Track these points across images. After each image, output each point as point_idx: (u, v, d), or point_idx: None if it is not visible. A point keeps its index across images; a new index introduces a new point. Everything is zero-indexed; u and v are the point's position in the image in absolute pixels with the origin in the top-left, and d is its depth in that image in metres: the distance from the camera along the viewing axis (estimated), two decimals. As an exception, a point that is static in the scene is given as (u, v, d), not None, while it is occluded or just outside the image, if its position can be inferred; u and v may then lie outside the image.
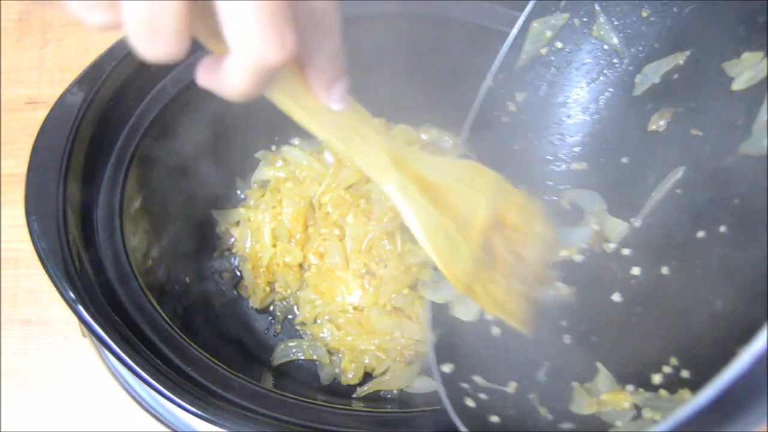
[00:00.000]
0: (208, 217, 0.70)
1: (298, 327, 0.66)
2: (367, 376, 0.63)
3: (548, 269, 0.51)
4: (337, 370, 0.63)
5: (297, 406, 0.47)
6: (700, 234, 0.44)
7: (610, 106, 0.54)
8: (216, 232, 0.70)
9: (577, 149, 0.55)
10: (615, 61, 0.54)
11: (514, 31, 0.52)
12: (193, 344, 0.49)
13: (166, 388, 0.45)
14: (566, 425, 0.42)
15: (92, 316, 0.47)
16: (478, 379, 0.46)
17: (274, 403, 0.47)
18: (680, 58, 0.51)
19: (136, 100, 0.58)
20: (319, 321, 0.65)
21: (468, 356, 0.48)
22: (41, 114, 0.53)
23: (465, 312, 0.51)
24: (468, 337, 0.50)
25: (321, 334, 0.64)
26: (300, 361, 0.64)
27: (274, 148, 0.72)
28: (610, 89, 0.54)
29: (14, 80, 0.81)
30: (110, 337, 0.46)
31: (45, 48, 0.83)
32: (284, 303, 0.67)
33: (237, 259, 0.69)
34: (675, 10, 0.51)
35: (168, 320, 0.50)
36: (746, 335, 0.38)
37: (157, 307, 0.51)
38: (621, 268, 0.49)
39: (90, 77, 0.55)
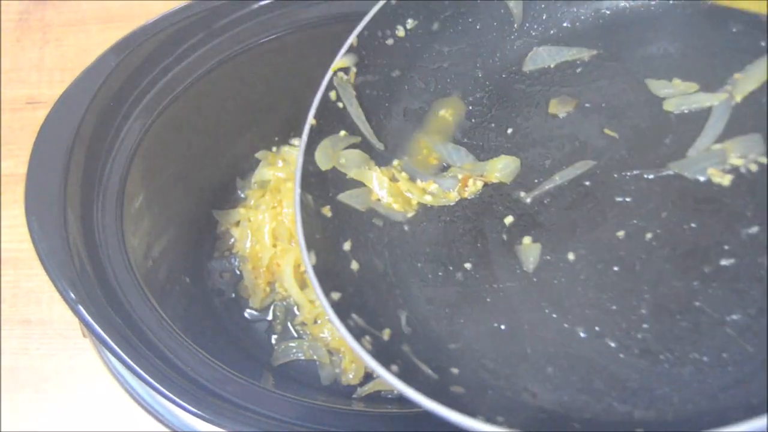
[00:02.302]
0: (208, 217, 0.70)
1: (298, 327, 0.66)
2: (368, 377, 0.63)
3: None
4: (337, 371, 0.63)
5: (297, 406, 0.47)
6: (620, 233, 0.44)
7: (493, 70, 0.54)
8: (216, 232, 0.70)
9: (443, 100, 0.53)
10: (510, 29, 0.53)
11: None
12: (193, 344, 0.49)
13: (166, 388, 0.45)
14: (456, 388, 0.40)
15: (92, 316, 0.47)
16: (356, 317, 0.43)
17: (274, 403, 0.47)
18: (585, 54, 0.51)
19: (137, 100, 0.58)
20: (319, 321, 0.65)
21: (344, 287, 0.44)
22: (41, 114, 0.53)
23: (354, 197, 0.49)
24: (334, 267, 0.46)
25: (321, 335, 0.64)
26: (300, 362, 0.64)
27: (274, 148, 0.72)
28: (497, 54, 0.54)
29: (14, 80, 0.81)
30: (110, 337, 0.46)
31: (45, 48, 0.83)
32: (284, 303, 0.67)
33: (237, 259, 0.69)
34: (585, 8, 0.52)
35: (168, 320, 0.50)
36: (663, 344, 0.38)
37: (157, 307, 0.51)
38: (510, 237, 0.47)
39: (90, 77, 0.55)
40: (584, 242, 0.45)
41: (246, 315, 0.67)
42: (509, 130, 0.51)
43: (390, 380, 0.38)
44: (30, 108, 0.80)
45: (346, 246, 0.47)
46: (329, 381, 0.63)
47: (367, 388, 0.61)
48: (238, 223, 0.70)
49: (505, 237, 0.47)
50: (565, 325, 0.42)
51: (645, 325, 0.40)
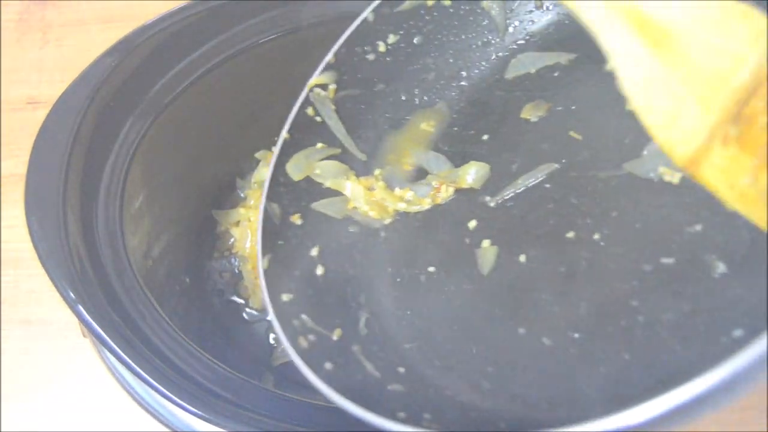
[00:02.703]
0: (208, 217, 0.70)
1: (298, 327, 0.66)
2: (367, 376, 0.63)
3: None
4: (337, 370, 0.63)
5: (297, 406, 0.47)
6: (569, 234, 0.44)
7: (477, 79, 0.54)
8: (216, 232, 0.70)
9: (428, 110, 0.54)
10: (494, 38, 0.54)
11: None
12: (192, 344, 0.49)
13: (166, 388, 0.45)
14: (395, 386, 0.40)
15: (92, 316, 0.47)
16: (305, 318, 0.44)
17: (274, 403, 0.47)
18: (564, 58, 0.51)
19: (136, 100, 0.58)
20: (319, 321, 0.65)
21: (298, 291, 0.45)
22: (41, 114, 0.53)
23: (330, 206, 0.50)
24: (295, 270, 0.47)
25: (321, 334, 0.64)
26: (300, 361, 0.64)
27: (274, 148, 0.72)
28: (482, 63, 0.54)
29: (14, 80, 0.81)
30: (110, 337, 0.46)
31: (45, 48, 0.83)
32: (284, 303, 0.67)
33: (237, 259, 0.69)
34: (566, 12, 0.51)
35: (168, 320, 0.50)
36: (609, 346, 0.38)
37: (157, 307, 0.50)
38: (472, 241, 0.47)
39: (90, 77, 0.55)
40: (536, 244, 0.45)
41: (246, 315, 0.67)
42: (485, 137, 0.52)
43: (307, 375, 0.39)
44: (30, 108, 0.80)
45: (314, 251, 0.48)
46: (329, 381, 0.63)
47: (367, 388, 0.61)
48: (238, 223, 0.70)
49: (467, 241, 0.47)
50: (509, 326, 0.42)
51: (582, 325, 0.40)
